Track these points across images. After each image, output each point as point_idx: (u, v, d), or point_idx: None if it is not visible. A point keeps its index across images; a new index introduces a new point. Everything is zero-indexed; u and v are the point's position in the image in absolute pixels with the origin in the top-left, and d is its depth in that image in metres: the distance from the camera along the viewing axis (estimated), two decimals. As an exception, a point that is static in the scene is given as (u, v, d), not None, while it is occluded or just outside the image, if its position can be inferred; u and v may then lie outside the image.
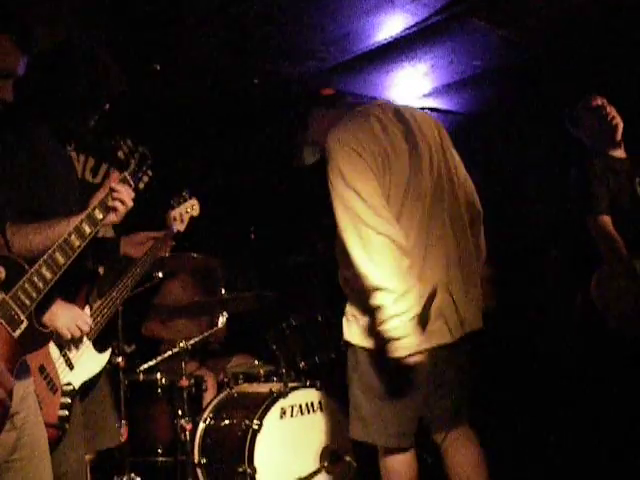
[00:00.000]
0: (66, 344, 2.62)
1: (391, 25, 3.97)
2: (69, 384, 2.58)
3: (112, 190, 2.29)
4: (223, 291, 4.35)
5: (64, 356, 2.61)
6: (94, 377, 2.73)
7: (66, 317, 2.51)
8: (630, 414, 3.51)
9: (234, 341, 5.13)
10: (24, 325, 1.91)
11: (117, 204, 2.29)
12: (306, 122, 3.05)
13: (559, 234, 5.09)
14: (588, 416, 3.87)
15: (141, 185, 2.50)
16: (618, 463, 3.53)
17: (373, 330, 2.60)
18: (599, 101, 3.80)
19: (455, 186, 2.89)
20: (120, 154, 2.44)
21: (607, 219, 3.63)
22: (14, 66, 2.21)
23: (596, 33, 4.18)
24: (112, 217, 2.30)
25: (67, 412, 2.48)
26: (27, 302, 1.91)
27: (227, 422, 3.92)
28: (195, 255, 4.24)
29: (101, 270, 2.88)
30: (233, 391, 4.13)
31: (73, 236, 2.11)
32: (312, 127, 3.02)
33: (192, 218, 3.43)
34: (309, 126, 3.03)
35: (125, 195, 2.31)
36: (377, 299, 2.51)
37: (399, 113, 2.83)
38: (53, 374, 2.48)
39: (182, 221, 3.36)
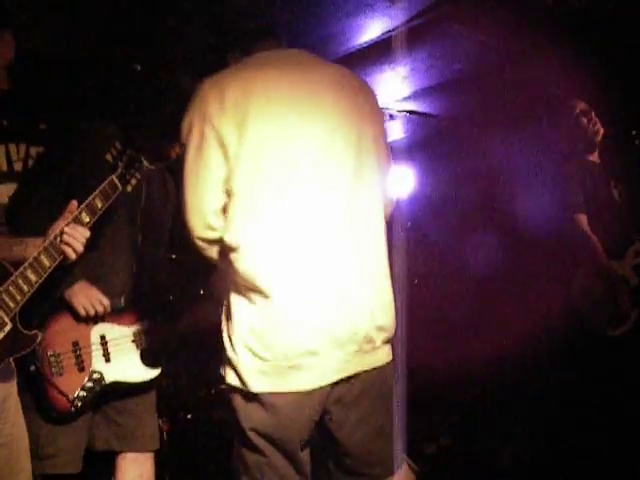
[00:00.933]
0: (111, 338, 2.72)
1: (371, 28, 4.00)
2: (99, 373, 2.68)
3: (61, 233, 2.23)
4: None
5: (103, 345, 2.71)
6: (133, 385, 2.80)
7: (83, 296, 2.64)
8: (614, 414, 3.56)
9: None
10: (8, 328, 1.91)
11: (67, 250, 2.23)
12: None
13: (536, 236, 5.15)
14: (572, 417, 3.93)
15: (129, 188, 2.51)
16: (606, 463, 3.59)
17: None
18: (582, 106, 3.85)
19: None
20: (108, 157, 2.44)
21: (583, 217, 3.68)
22: (12, 57, 2.27)
23: (573, 38, 4.23)
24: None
25: (86, 394, 2.62)
26: (11, 305, 1.92)
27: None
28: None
29: None
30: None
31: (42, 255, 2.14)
32: None
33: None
34: None
35: (76, 242, 2.24)
36: None
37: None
38: (85, 355, 2.66)
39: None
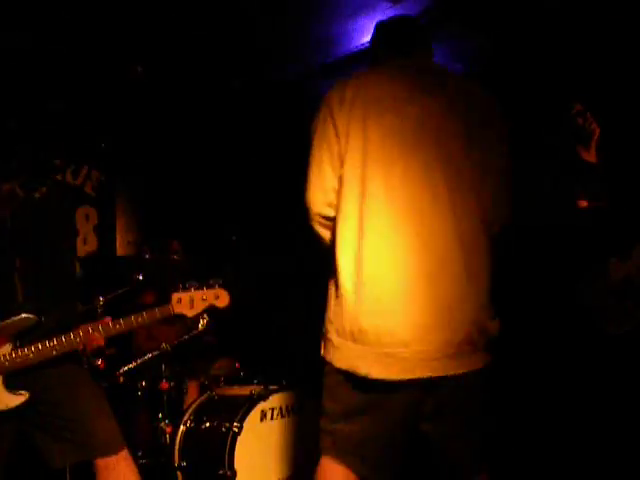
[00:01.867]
0: None
1: (372, 29, 3.99)
2: None
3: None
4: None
5: None
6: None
7: None
8: (617, 413, 3.54)
9: (217, 344, 5.14)
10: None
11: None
12: None
13: (544, 233, 5.14)
14: (577, 415, 3.92)
15: None
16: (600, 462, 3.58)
17: None
18: (578, 106, 3.84)
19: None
20: None
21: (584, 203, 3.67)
22: None
23: (571, 41, 4.22)
24: None
25: None
26: None
27: (207, 425, 3.91)
28: (176, 257, 4.24)
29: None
30: (214, 394, 4.13)
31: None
32: None
33: (215, 307, 2.97)
34: None
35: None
36: None
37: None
38: None
39: (192, 306, 2.88)
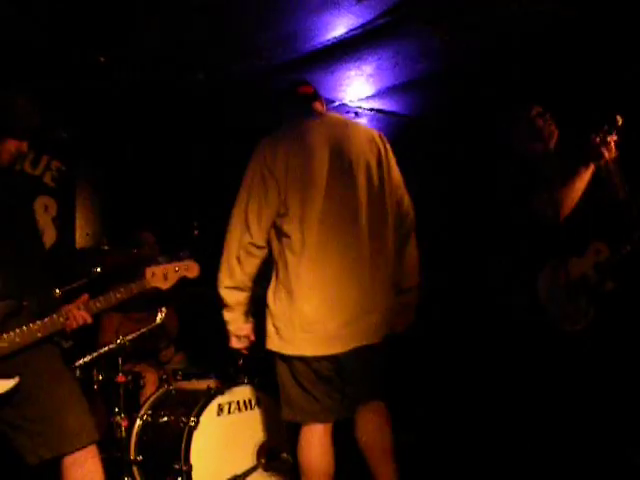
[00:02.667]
0: None
1: (336, 26, 4.00)
2: None
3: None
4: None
5: None
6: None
7: None
8: (571, 410, 3.59)
9: (177, 338, 5.11)
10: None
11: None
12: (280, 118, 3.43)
13: (501, 233, 5.19)
14: (532, 411, 3.96)
15: None
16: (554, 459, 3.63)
17: None
18: (537, 108, 3.88)
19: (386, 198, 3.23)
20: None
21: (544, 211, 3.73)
22: None
23: (534, 41, 4.27)
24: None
25: None
26: None
27: (164, 419, 3.90)
28: (135, 250, 4.21)
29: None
30: (171, 388, 4.11)
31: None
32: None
33: (186, 278, 3.16)
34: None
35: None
36: None
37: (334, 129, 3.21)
38: None
39: (166, 279, 3.06)
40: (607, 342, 3.56)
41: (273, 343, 3.14)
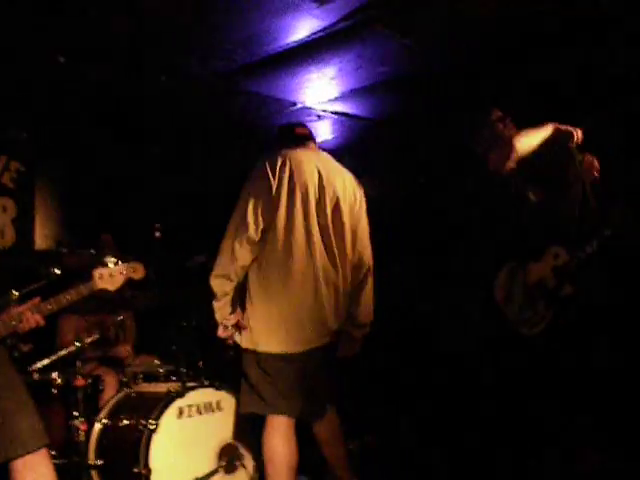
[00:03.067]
0: None
1: (297, 29, 4.00)
2: None
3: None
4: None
5: None
6: None
7: None
8: (528, 411, 3.63)
9: (137, 341, 5.08)
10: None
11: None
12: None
13: (464, 234, 5.23)
14: (489, 415, 4.00)
15: None
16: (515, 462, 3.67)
17: None
18: (498, 113, 3.92)
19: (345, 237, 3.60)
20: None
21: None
22: None
23: (496, 45, 4.32)
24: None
25: None
26: None
27: (124, 422, 3.87)
28: (93, 252, 4.17)
29: None
30: (131, 391, 4.08)
31: None
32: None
33: (132, 279, 3.29)
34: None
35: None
36: None
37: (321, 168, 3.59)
38: None
39: (113, 280, 3.18)
40: (564, 345, 3.61)
41: (249, 341, 3.45)
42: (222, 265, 3.42)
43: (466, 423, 4.40)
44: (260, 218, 3.38)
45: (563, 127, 3.72)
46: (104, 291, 3.15)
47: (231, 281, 3.43)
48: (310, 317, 3.43)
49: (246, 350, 3.48)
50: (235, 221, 3.42)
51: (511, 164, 3.91)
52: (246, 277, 3.48)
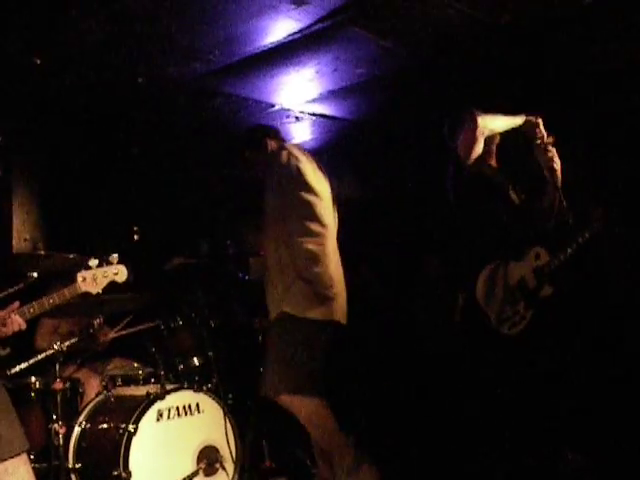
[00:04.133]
0: None
1: (275, 30, 4.01)
2: None
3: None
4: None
5: None
6: None
7: None
8: (509, 412, 3.65)
9: (115, 343, 5.05)
10: None
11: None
12: (259, 145, 3.96)
13: (440, 236, 5.26)
14: (470, 415, 4.01)
15: None
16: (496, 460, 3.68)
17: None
18: (477, 114, 3.93)
19: None
20: None
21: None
22: None
23: (472, 46, 4.35)
24: None
25: None
26: None
27: (103, 426, 3.85)
28: (72, 255, 4.14)
29: None
30: (110, 394, 4.06)
31: None
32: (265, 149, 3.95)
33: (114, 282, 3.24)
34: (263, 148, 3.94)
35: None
36: None
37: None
38: None
39: (96, 283, 3.13)
40: (543, 346, 3.63)
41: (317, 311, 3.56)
42: None
43: (447, 424, 4.42)
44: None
45: (532, 118, 3.77)
46: (87, 294, 3.11)
47: None
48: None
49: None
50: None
51: (478, 148, 3.91)
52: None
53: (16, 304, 2.92)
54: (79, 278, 3.06)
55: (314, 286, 3.55)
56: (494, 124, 3.78)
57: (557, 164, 3.75)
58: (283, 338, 3.54)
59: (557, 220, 3.71)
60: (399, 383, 5.08)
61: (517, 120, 3.79)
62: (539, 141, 3.75)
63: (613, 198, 3.89)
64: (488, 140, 3.90)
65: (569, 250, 3.63)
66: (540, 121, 3.75)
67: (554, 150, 3.75)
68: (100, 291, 3.14)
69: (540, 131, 3.75)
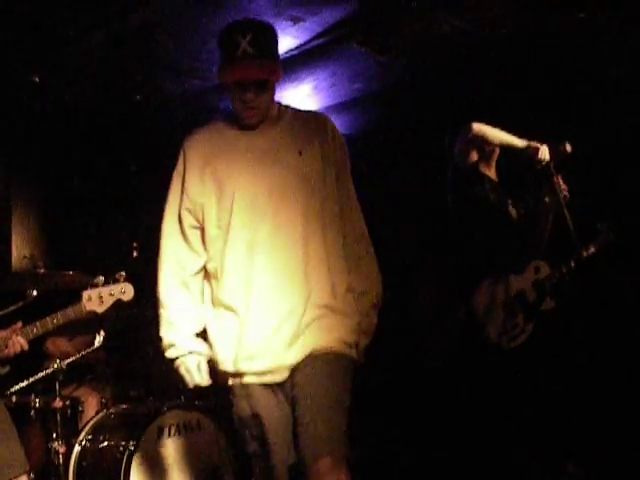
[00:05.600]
0: None
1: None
2: None
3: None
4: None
5: None
6: None
7: None
8: (509, 426, 3.64)
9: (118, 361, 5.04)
10: None
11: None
12: None
13: (437, 250, 5.26)
14: (468, 430, 4.00)
15: None
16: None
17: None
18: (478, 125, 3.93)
19: None
20: None
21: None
22: None
23: (468, 61, 4.37)
24: None
25: None
26: None
27: (103, 444, 3.83)
28: (72, 272, 4.14)
29: None
30: (110, 412, 4.05)
31: None
32: None
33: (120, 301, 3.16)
34: None
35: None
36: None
37: None
38: None
39: (102, 302, 3.05)
40: (544, 359, 3.63)
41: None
42: None
43: (446, 438, 4.41)
44: None
45: (534, 144, 3.75)
46: (92, 313, 3.05)
47: None
48: None
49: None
50: None
51: (474, 155, 3.91)
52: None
53: (19, 324, 2.89)
54: (85, 297, 2.99)
55: None
56: (491, 133, 3.78)
57: (559, 186, 3.75)
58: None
59: (561, 234, 3.71)
60: (399, 400, 5.07)
61: (518, 142, 3.77)
62: (540, 166, 3.74)
63: (619, 213, 3.89)
64: (487, 152, 3.91)
65: (572, 264, 3.64)
66: (543, 148, 3.72)
67: (557, 175, 3.75)
68: (105, 310, 3.07)
69: (541, 158, 3.73)
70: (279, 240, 2.37)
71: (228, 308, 2.40)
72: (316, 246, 2.40)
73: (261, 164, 2.41)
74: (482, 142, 3.86)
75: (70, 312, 2.97)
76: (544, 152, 3.69)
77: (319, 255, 2.40)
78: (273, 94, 2.44)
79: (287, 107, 2.57)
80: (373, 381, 5.25)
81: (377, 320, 2.56)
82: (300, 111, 2.61)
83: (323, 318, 2.37)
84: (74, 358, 4.09)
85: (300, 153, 2.44)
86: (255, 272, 2.35)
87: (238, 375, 2.41)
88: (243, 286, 2.37)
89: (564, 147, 3.67)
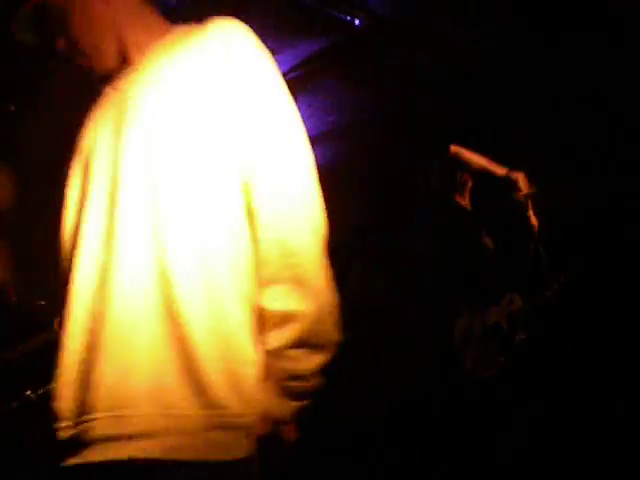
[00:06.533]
0: None
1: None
2: None
3: None
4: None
5: None
6: None
7: None
8: (483, 451, 3.64)
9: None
10: None
11: None
12: None
13: (418, 280, 5.26)
14: (445, 454, 3.99)
15: None
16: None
17: None
18: (454, 150, 3.96)
19: None
20: None
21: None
22: None
23: (444, 94, 4.42)
24: None
25: None
26: None
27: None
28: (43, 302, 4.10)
29: None
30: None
31: None
32: None
33: None
34: None
35: None
36: None
37: None
38: None
39: None
40: (516, 389, 3.64)
41: None
42: None
43: (420, 465, 4.39)
44: None
45: (514, 172, 3.79)
46: None
47: None
48: None
49: None
50: None
51: (448, 184, 3.94)
52: None
53: None
54: (56, 324, 3.01)
55: None
56: (469, 157, 3.80)
57: (533, 217, 3.79)
58: None
59: (533, 266, 3.74)
60: (373, 431, 5.04)
61: (496, 169, 3.81)
62: (516, 195, 3.78)
63: (591, 245, 3.93)
64: (461, 181, 3.94)
65: (543, 296, 3.67)
66: (521, 177, 3.77)
67: (531, 205, 3.79)
68: None
69: (520, 187, 3.78)
70: None
71: None
72: None
73: None
74: (460, 165, 3.89)
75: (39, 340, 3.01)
76: (524, 181, 3.74)
77: None
78: None
79: None
80: (346, 410, 5.23)
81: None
82: None
83: None
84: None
85: None
86: None
87: None
88: None
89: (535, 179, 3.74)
